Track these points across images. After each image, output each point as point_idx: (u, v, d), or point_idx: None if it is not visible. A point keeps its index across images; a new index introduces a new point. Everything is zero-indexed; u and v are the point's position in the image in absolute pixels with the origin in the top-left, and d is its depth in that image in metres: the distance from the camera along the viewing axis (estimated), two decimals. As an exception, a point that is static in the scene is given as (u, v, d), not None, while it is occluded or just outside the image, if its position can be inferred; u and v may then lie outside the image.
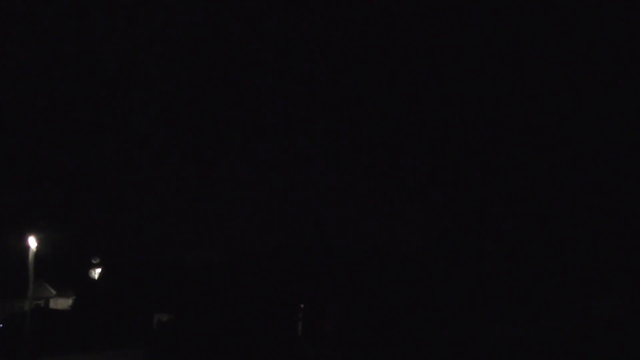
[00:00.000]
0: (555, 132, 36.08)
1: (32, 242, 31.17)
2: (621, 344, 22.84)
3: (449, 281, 30.43)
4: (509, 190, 35.55)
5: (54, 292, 46.54)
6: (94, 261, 47.56)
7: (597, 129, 34.00)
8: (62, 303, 45.05)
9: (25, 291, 32.62)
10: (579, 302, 26.99)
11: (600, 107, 34.45)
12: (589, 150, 33.60)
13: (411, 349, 26.57)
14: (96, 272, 47.17)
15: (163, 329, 32.70)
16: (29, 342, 30.10)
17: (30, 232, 31.37)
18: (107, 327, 35.75)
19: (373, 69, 54.03)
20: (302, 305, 31.29)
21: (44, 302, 45.39)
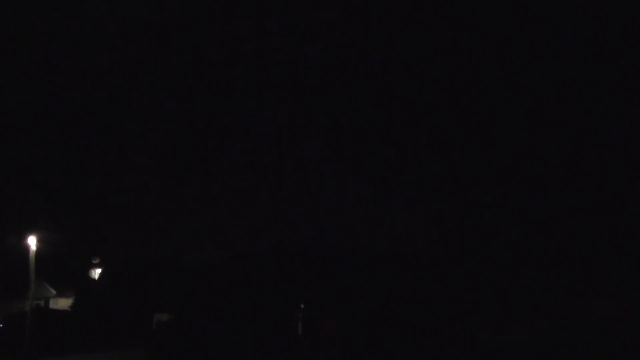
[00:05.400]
0: (554, 132, 36.09)
1: (32, 242, 31.20)
2: (621, 344, 22.85)
3: (449, 281, 30.43)
4: (508, 190, 35.56)
5: (54, 292, 46.56)
6: (94, 261, 47.61)
7: (596, 129, 34.01)
8: (62, 303, 45.08)
9: (25, 291, 32.66)
10: (578, 302, 26.99)
11: (600, 107, 34.45)
12: (589, 150, 33.60)
13: (411, 349, 26.58)
14: (96, 272, 47.22)
15: (163, 329, 32.70)
16: (29, 342, 30.12)
17: (30, 232, 31.40)
18: (107, 327, 35.81)
19: (372, 68, 54.04)
20: (302, 305, 31.29)
21: (44, 302, 45.40)
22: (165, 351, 30.05)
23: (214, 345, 29.30)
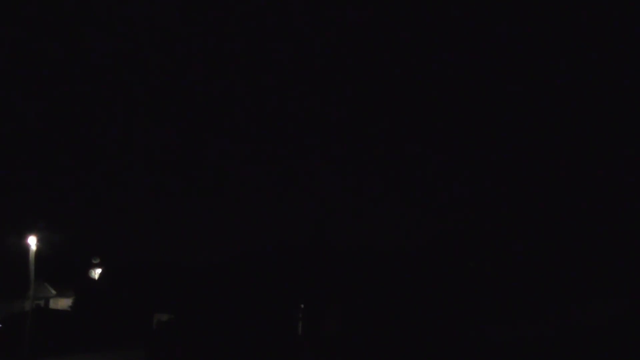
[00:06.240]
0: (553, 132, 36.11)
1: (32, 242, 31.15)
2: (620, 345, 22.84)
3: (449, 281, 30.42)
4: (508, 190, 35.57)
5: (54, 292, 46.52)
6: (94, 261, 47.57)
7: (596, 129, 34.03)
8: (62, 303, 45.04)
9: (25, 291, 32.63)
10: (577, 303, 27.00)
11: (600, 107, 34.46)
12: (589, 150, 33.62)
13: (411, 349, 26.58)
14: (96, 272, 47.20)
15: (163, 329, 32.69)
16: (29, 342, 30.09)
17: (30, 232, 31.35)
18: (107, 327, 35.78)
19: (373, 69, 54.06)
20: (302, 305, 31.29)
21: (44, 302, 45.36)
22: (165, 351, 30.03)
23: (214, 345, 29.29)
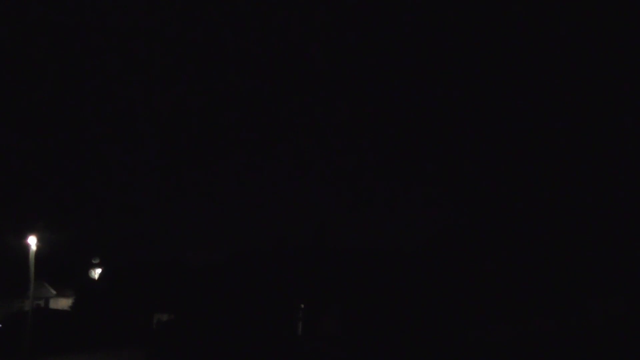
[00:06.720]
0: (554, 131, 36.08)
1: (32, 242, 31.13)
2: (620, 344, 22.86)
3: (449, 281, 30.44)
4: (507, 189, 35.55)
5: (54, 292, 46.58)
6: (94, 261, 47.56)
7: (596, 129, 34.00)
8: (62, 303, 45.09)
9: (25, 291, 32.63)
10: (577, 302, 27.01)
11: (600, 107, 34.44)
12: (589, 149, 33.60)
13: (411, 349, 26.59)
14: (96, 272, 47.18)
15: (163, 329, 32.70)
16: (29, 342, 30.08)
17: (30, 232, 31.32)
18: (107, 327, 35.79)
19: (372, 68, 54.04)
20: (302, 305, 31.32)
21: (44, 302, 45.41)
22: (165, 351, 30.04)
23: (214, 345, 29.31)
